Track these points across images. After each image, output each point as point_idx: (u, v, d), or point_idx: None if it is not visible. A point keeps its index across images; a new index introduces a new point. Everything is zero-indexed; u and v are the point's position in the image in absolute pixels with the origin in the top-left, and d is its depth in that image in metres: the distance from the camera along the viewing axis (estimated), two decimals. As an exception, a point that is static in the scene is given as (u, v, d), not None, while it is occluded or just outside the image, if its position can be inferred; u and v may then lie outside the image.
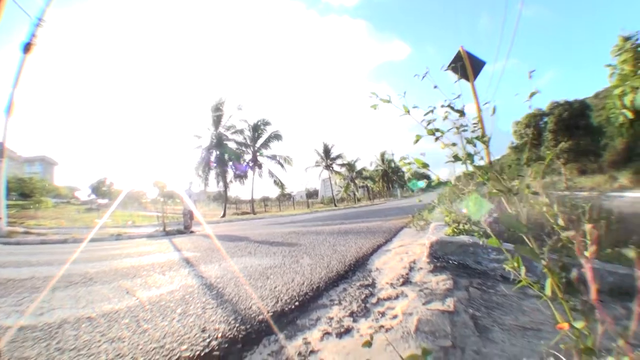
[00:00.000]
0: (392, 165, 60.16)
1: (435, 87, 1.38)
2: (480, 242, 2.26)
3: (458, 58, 5.21)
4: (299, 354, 1.24)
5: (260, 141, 35.75)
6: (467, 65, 5.08)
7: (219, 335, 1.40)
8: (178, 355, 1.25)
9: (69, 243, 7.88)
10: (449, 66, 5.35)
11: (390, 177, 61.88)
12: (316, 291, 2.08)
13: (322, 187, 66.53)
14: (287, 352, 1.27)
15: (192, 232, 9.90)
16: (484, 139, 1.22)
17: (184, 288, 2.37)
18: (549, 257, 1.16)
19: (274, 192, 55.06)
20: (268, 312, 1.67)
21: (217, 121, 33.25)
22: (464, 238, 2.53)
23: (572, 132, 30.16)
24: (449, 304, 1.62)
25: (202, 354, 1.25)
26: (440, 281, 2.04)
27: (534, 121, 34.45)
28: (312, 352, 1.26)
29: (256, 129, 35.39)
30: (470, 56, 5.13)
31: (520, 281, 1.01)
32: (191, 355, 1.24)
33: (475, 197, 1.23)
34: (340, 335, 1.41)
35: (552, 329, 1.25)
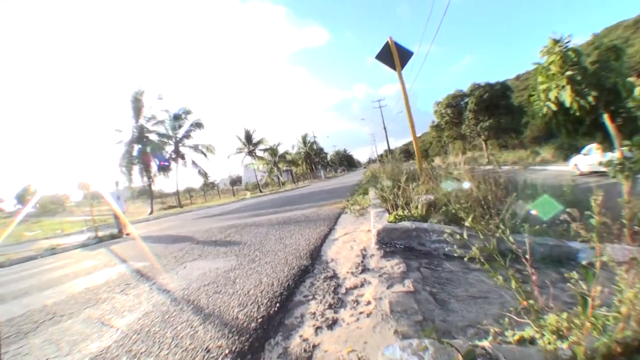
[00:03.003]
0: (315, 147, 61.60)
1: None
2: (426, 226, 2.68)
3: (387, 48, 5.61)
4: (305, 350, 1.44)
5: (181, 131, 34.17)
6: (394, 56, 5.51)
7: (226, 351, 1.51)
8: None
9: (6, 267, 7.36)
10: (378, 56, 5.76)
11: (313, 159, 63.33)
12: (288, 289, 2.27)
13: (245, 173, 65.21)
14: (293, 352, 1.45)
15: (127, 234, 9.46)
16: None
17: (157, 307, 2.37)
18: (484, 233, 1.53)
19: (197, 182, 52.63)
20: (257, 319, 1.83)
21: (137, 113, 30.93)
22: (406, 224, 2.93)
23: (493, 112, 33.39)
24: (409, 285, 1.96)
25: None
26: (394, 265, 2.39)
27: (455, 102, 37.91)
28: (314, 346, 1.47)
29: (177, 119, 33.70)
30: (399, 47, 5.57)
31: (470, 258, 1.34)
32: None
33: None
34: (330, 327, 1.64)
35: (497, 296, 1.65)
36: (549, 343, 0.95)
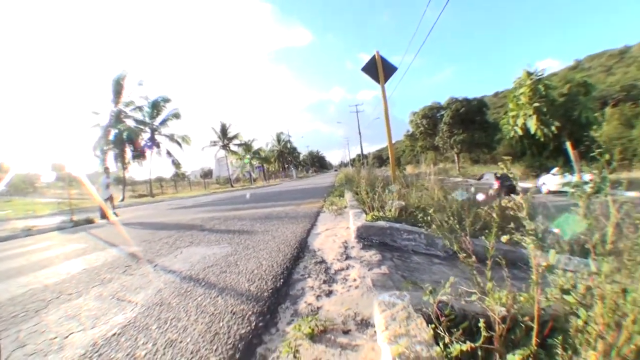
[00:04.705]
0: (288, 146, 61.94)
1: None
2: (398, 226, 3.25)
3: (373, 62, 6.13)
4: (311, 311, 1.94)
5: (159, 119, 33.52)
6: (379, 69, 6.04)
7: (249, 313, 1.95)
8: (240, 326, 1.82)
9: None
10: (364, 68, 6.28)
11: (286, 157, 63.65)
12: (287, 269, 2.76)
13: (217, 167, 64.45)
14: (302, 312, 1.94)
15: (113, 217, 9.57)
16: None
17: (169, 285, 2.67)
18: (447, 236, 2.06)
19: (167, 172, 51.49)
20: (267, 290, 2.30)
21: (117, 97, 30.07)
22: (381, 223, 3.50)
23: (467, 126, 34.61)
24: (385, 269, 2.50)
25: (251, 326, 1.81)
26: (372, 255, 2.93)
27: (431, 113, 39.20)
28: (318, 308, 1.97)
29: (156, 106, 32.96)
30: (384, 61, 6.10)
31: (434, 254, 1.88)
32: (247, 330, 1.79)
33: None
34: (328, 295, 2.15)
35: (454, 281, 2.21)
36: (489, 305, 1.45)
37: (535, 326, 1.01)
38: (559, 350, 0.90)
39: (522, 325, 1.12)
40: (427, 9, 7.66)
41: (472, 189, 4.38)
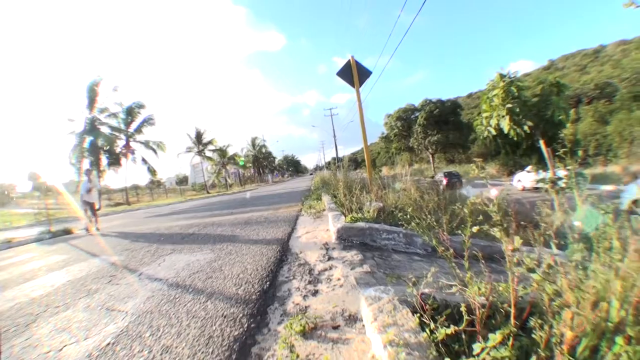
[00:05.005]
0: (264, 151, 61.61)
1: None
2: (377, 227, 3.40)
3: (348, 66, 6.27)
4: (300, 310, 2.03)
5: (133, 125, 32.59)
6: (354, 74, 6.18)
7: (240, 315, 2.02)
8: (233, 328, 1.90)
9: None
10: (339, 73, 6.41)
11: (262, 162, 63.24)
12: (272, 272, 2.84)
13: (193, 173, 63.19)
14: (291, 312, 2.03)
15: (97, 229, 8.66)
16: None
17: (157, 293, 2.70)
18: (426, 234, 2.21)
19: (143, 179, 50.05)
20: (255, 292, 2.38)
21: (91, 103, 29.11)
22: (361, 224, 3.64)
23: (442, 127, 35.45)
24: (367, 268, 2.63)
25: (243, 327, 1.89)
26: (353, 255, 3.07)
27: (405, 115, 39.93)
28: (306, 307, 2.07)
29: (130, 113, 32.06)
30: (359, 66, 6.25)
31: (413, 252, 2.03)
32: (240, 332, 1.88)
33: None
34: (314, 294, 2.26)
35: (435, 278, 2.37)
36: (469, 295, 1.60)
37: (512, 310, 1.15)
38: (537, 330, 1.04)
39: (502, 311, 1.25)
40: (402, 13, 7.94)
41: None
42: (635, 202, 6.48)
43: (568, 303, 1.06)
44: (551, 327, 1.07)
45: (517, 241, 1.19)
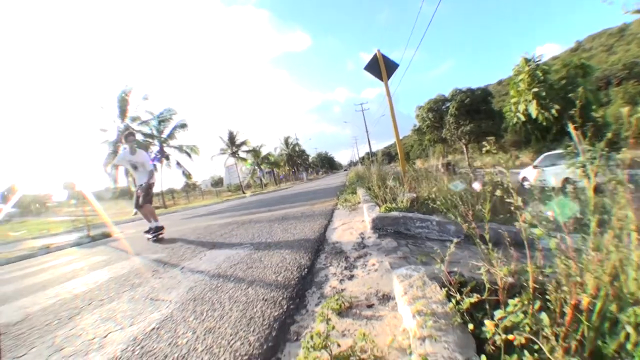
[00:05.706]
0: (297, 149, 62.46)
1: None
2: (411, 215, 3.41)
3: (375, 60, 6.26)
4: (336, 292, 2.11)
5: (166, 131, 34.59)
6: (382, 67, 6.17)
7: (280, 299, 2.14)
8: (273, 310, 2.02)
9: (3, 265, 7.38)
10: (366, 67, 6.42)
11: (295, 160, 64.13)
12: (309, 261, 2.94)
13: (227, 175, 65.38)
14: (327, 294, 2.13)
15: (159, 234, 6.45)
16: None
17: (199, 283, 2.88)
18: (458, 223, 2.21)
19: (178, 183, 52.55)
20: (293, 279, 2.49)
21: (122, 113, 31.31)
22: (395, 213, 3.66)
23: (473, 116, 34.34)
24: (401, 254, 2.67)
25: (283, 309, 2.02)
26: (388, 242, 3.10)
27: (436, 106, 39.04)
28: (342, 290, 2.15)
29: (162, 119, 34.13)
30: (386, 59, 6.23)
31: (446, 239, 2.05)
32: (280, 312, 2.01)
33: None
34: (350, 278, 2.33)
35: (465, 262, 2.37)
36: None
37: (531, 275, 1.16)
38: (553, 294, 1.05)
39: (526, 285, 1.27)
40: (424, 4, 7.79)
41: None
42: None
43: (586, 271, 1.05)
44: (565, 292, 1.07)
45: (539, 231, 1.18)
